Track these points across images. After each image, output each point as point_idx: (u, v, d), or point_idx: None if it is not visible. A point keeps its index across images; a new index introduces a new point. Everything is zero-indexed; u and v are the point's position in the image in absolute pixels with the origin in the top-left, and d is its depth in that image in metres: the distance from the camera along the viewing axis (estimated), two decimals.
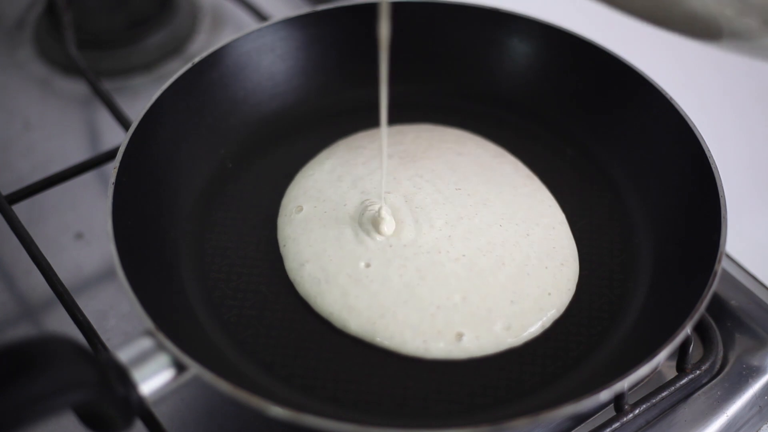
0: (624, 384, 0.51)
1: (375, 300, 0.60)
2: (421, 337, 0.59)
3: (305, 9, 0.75)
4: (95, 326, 0.61)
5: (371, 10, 0.75)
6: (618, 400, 0.60)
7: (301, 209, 0.67)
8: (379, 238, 0.64)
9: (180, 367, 0.50)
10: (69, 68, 0.87)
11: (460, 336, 0.59)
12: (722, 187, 0.60)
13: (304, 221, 0.66)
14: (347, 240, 0.64)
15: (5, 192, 0.69)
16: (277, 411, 0.49)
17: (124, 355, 0.49)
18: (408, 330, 0.59)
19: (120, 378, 0.48)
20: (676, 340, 0.53)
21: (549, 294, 0.62)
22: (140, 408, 0.49)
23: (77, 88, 0.87)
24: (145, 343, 0.50)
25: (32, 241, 0.65)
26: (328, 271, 0.62)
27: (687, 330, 0.53)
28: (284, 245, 0.65)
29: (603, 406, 0.62)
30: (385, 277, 0.62)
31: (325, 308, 0.61)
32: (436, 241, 0.64)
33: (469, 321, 0.60)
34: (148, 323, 0.51)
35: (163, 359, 0.50)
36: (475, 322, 0.60)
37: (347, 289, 0.61)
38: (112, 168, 0.60)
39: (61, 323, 0.65)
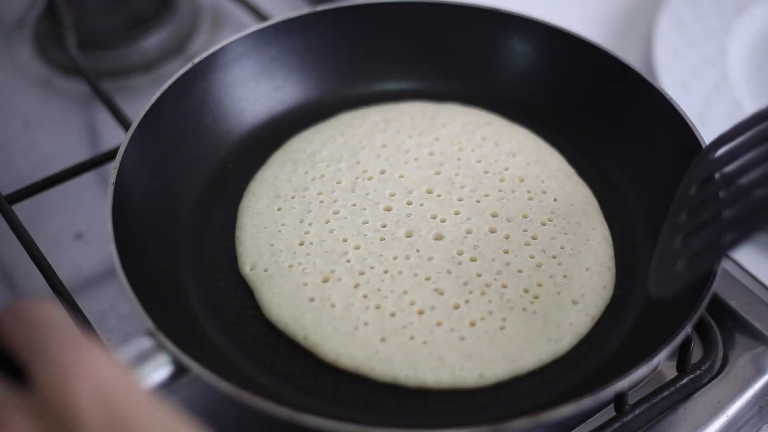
0: (624, 384, 0.51)
1: (353, 339, 0.58)
2: (411, 368, 0.57)
3: (304, 10, 0.75)
4: (95, 326, 0.61)
5: (370, 11, 0.76)
6: (618, 400, 0.60)
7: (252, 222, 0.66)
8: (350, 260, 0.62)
9: (180, 367, 0.50)
10: (69, 68, 0.87)
11: (464, 366, 0.57)
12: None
13: (252, 239, 0.64)
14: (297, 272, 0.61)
15: (5, 192, 0.69)
16: (278, 411, 0.49)
17: (123, 355, 0.49)
18: (398, 362, 0.57)
19: None
20: (676, 340, 0.53)
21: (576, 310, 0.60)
22: None
23: (77, 88, 0.87)
24: (145, 343, 0.50)
25: (32, 241, 0.65)
26: (289, 304, 0.60)
27: (687, 330, 0.53)
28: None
29: (603, 406, 0.61)
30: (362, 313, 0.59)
31: (303, 330, 0.59)
32: (456, 276, 0.61)
33: (480, 353, 0.57)
34: (148, 323, 0.51)
35: (162, 359, 0.50)
36: (487, 356, 0.57)
37: (309, 332, 0.59)
38: (112, 168, 0.60)
39: None
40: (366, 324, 0.58)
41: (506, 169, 0.68)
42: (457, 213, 0.65)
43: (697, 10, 0.91)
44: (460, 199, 0.66)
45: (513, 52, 0.75)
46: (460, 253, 0.62)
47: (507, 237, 0.63)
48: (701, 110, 0.81)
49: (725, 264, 0.70)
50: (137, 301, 0.53)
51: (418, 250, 0.62)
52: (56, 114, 0.86)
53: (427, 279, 0.61)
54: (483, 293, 0.60)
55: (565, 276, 0.62)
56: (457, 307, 0.59)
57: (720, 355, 0.65)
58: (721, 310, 0.67)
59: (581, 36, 0.72)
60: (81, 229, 0.75)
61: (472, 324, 0.59)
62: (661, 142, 0.67)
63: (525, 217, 0.65)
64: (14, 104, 0.87)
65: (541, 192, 0.67)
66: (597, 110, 0.72)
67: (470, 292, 0.60)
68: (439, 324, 0.58)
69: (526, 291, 0.60)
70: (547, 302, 0.60)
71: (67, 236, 0.74)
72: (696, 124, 0.64)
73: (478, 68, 0.76)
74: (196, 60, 0.69)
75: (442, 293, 0.60)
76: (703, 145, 0.63)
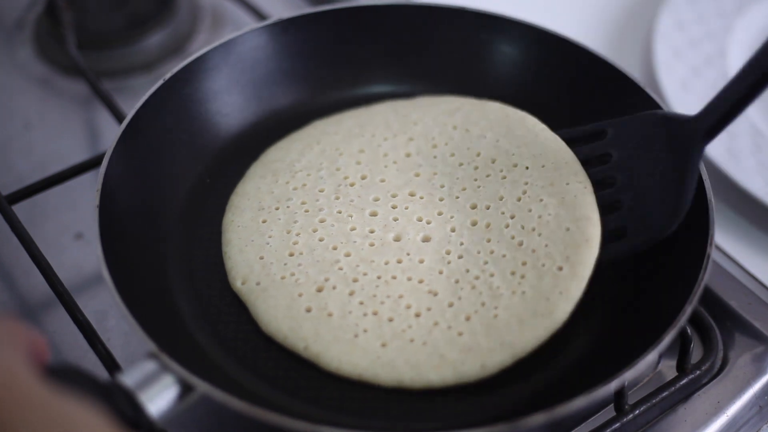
0: (628, 375, 0.51)
1: (354, 346, 0.58)
2: (414, 370, 0.57)
3: (270, 20, 0.74)
4: (95, 326, 0.61)
5: (336, 16, 0.75)
6: (618, 400, 0.60)
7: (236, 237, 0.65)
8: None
9: (186, 387, 0.50)
10: (69, 68, 0.87)
11: (465, 361, 0.57)
12: (710, 192, 0.60)
13: (239, 250, 0.64)
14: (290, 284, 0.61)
15: (5, 192, 0.69)
16: (294, 425, 0.49)
17: (129, 379, 0.49)
18: (400, 365, 0.57)
19: (128, 402, 0.48)
20: (679, 323, 0.53)
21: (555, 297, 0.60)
22: (150, 430, 0.49)
23: (77, 88, 0.87)
24: (149, 365, 0.50)
25: (32, 241, 0.65)
26: (285, 313, 0.60)
27: (688, 314, 0.54)
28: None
29: (603, 406, 0.62)
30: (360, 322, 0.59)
31: (301, 342, 0.59)
32: (447, 276, 0.61)
33: (478, 345, 0.57)
34: (150, 345, 0.51)
35: (168, 380, 0.50)
36: (486, 346, 0.57)
37: (309, 342, 0.59)
38: None
39: (61, 323, 0.66)
40: (365, 331, 0.58)
41: (478, 154, 0.67)
42: (440, 213, 0.65)
43: (697, 10, 0.91)
44: (441, 199, 0.66)
45: (483, 50, 0.75)
46: (448, 253, 0.62)
47: (488, 225, 0.63)
48: None
49: (725, 264, 0.70)
50: (137, 323, 0.52)
51: (408, 254, 0.62)
52: (56, 114, 0.86)
53: (421, 282, 0.61)
54: (473, 287, 0.60)
55: (546, 245, 0.61)
56: (451, 305, 0.59)
57: (720, 355, 0.65)
58: (721, 310, 0.67)
59: (572, 39, 0.72)
60: (81, 229, 0.75)
61: (468, 318, 0.59)
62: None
63: (501, 198, 0.64)
64: (14, 104, 0.87)
65: (512, 166, 0.66)
66: (589, 113, 0.71)
67: (461, 288, 0.60)
68: (436, 324, 0.58)
69: (512, 274, 0.60)
70: (533, 279, 0.59)
71: (67, 236, 0.74)
72: None
73: (470, 71, 0.76)
74: (167, 76, 0.69)
75: (436, 294, 0.60)
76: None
